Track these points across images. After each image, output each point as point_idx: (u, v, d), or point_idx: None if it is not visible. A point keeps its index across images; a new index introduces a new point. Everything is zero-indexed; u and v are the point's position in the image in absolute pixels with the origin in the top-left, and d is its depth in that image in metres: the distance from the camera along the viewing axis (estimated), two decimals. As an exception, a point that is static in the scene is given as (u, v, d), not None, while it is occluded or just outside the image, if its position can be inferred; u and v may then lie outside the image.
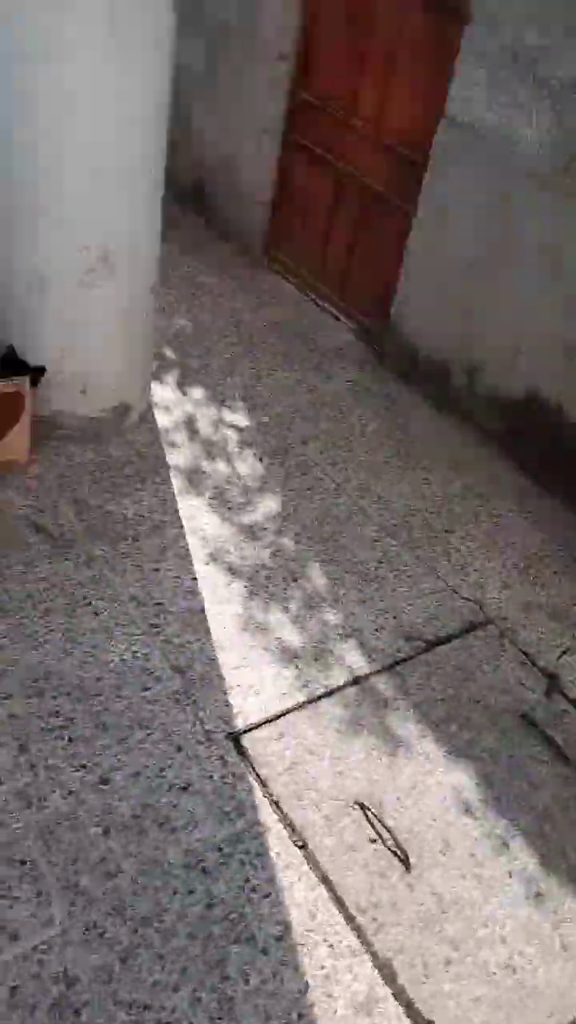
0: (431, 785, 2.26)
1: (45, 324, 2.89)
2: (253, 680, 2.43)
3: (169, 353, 3.75)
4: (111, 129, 2.56)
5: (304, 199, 4.31)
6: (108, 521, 2.84)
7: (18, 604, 2.49)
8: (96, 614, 2.52)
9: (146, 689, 2.34)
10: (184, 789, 2.12)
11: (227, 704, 2.34)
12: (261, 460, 3.27)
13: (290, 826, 2.09)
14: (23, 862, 1.92)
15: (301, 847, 2.06)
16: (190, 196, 4.87)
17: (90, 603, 2.55)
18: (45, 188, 2.62)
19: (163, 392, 3.51)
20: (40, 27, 2.35)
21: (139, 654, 2.43)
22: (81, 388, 3.05)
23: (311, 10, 3.91)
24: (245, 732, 2.29)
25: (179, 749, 2.21)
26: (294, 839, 2.07)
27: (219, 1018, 1.75)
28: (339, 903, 1.98)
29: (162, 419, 3.38)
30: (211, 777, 2.16)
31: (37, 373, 2.95)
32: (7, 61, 2.43)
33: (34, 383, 2.96)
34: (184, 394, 3.56)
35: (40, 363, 2.96)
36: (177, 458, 3.19)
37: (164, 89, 2.61)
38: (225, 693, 2.37)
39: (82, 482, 2.98)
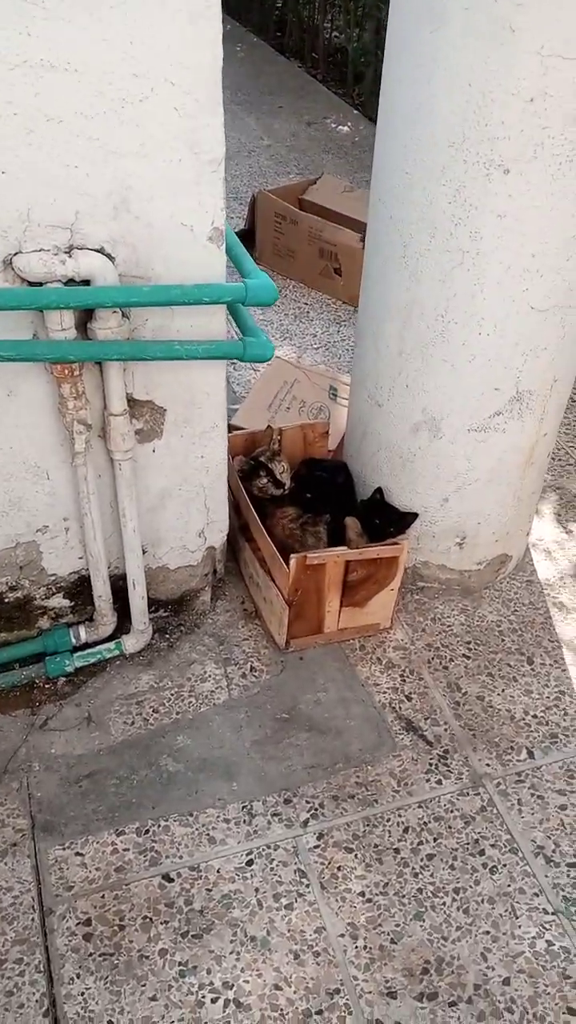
0: None
1: (427, 469, 2.39)
2: None
3: (548, 475, 3.12)
4: (558, 252, 1.99)
5: None
6: (491, 720, 2.27)
7: (391, 844, 1.98)
8: (491, 870, 1.95)
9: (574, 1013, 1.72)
10: None
11: None
12: None
13: None
14: None
15: None
16: None
17: (482, 850, 1.98)
18: (459, 320, 2.10)
19: (541, 527, 2.89)
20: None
21: (557, 948, 1.82)
22: (458, 540, 2.52)
23: None
24: None
25: None
26: None
27: None
28: None
29: (543, 568, 2.76)
30: None
31: (407, 521, 2.46)
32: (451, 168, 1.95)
33: (402, 530, 2.48)
34: (569, 532, 2.91)
35: (412, 510, 2.47)
36: (568, 629, 2.55)
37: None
38: None
39: (455, 658, 2.44)
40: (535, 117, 1.81)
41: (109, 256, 1.74)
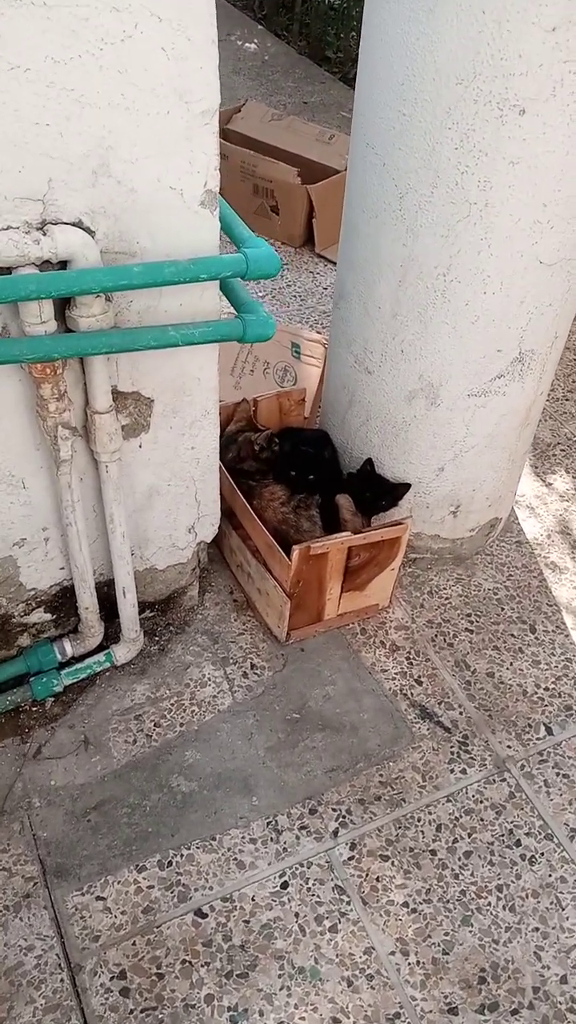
0: None
1: (422, 438, 2.23)
2: None
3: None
4: (570, 201, 1.82)
5: None
6: (505, 698, 2.19)
7: (427, 845, 1.89)
8: (531, 861, 1.88)
9: (633, 1005, 1.69)
10: None
11: None
12: None
13: None
14: None
15: None
16: None
17: (518, 840, 1.92)
18: (463, 279, 1.92)
19: (522, 483, 2.79)
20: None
21: (607, 938, 1.78)
22: (452, 509, 2.39)
23: None
24: None
25: None
26: None
27: None
28: None
29: (529, 526, 2.68)
30: None
31: (400, 493, 2.31)
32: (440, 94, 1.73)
33: (394, 502, 2.33)
34: (549, 485, 2.82)
35: (405, 480, 2.32)
36: (564, 590, 2.47)
37: None
38: None
39: (458, 633, 2.34)
40: (556, 50, 1.61)
41: (88, 230, 1.46)
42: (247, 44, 5.95)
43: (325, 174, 3.72)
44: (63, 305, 1.51)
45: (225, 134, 4.06)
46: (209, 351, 1.74)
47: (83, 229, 1.45)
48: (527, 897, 1.83)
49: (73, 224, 1.44)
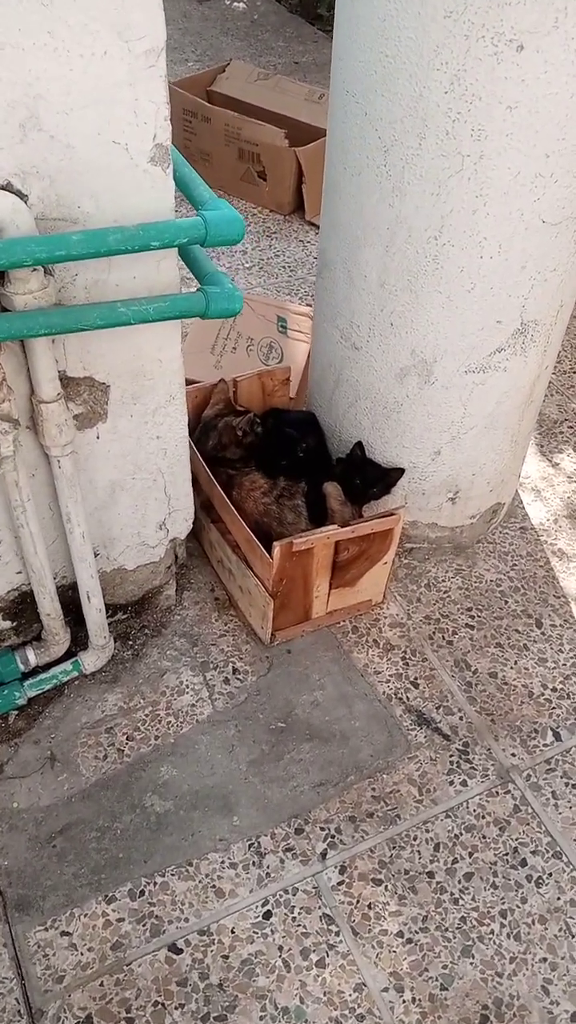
0: None
1: (416, 419, 2.04)
2: None
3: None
4: (571, 151, 1.61)
5: None
6: (509, 700, 2.02)
7: (423, 867, 1.73)
8: (537, 883, 1.72)
9: None
10: None
11: None
12: None
13: None
14: None
15: None
16: None
17: (523, 860, 1.75)
18: (456, 242, 1.72)
19: (527, 464, 2.60)
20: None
21: (621, 969, 1.62)
22: (450, 495, 2.20)
23: None
24: None
25: None
26: None
27: None
28: None
29: (534, 511, 2.49)
30: None
31: (393, 479, 2.13)
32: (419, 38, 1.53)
33: (387, 489, 2.15)
34: (556, 466, 2.63)
35: (399, 464, 2.13)
36: (573, 580, 2.29)
37: None
38: None
39: (458, 630, 2.16)
40: (558, -27, 1.40)
41: (20, 194, 1.28)
42: (236, 3, 5.68)
43: (315, 136, 3.49)
44: (-4, 281, 1.33)
45: (209, 96, 3.84)
46: (170, 329, 1.56)
47: (12, 193, 1.26)
48: (534, 923, 1.67)
49: (1, 187, 1.25)
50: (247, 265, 3.36)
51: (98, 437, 1.63)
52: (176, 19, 5.30)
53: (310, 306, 2.80)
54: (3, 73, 1.17)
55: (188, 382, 2.09)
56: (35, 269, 1.30)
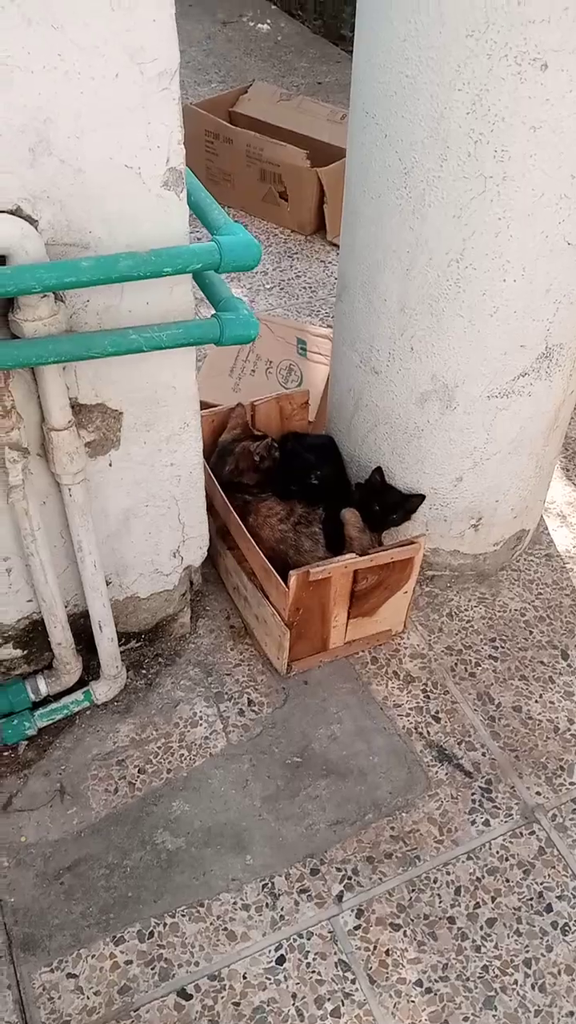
0: None
1: (437, 445, 1.99)
2: None
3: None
4: (601, 168, 1.57)
5: None
6: (533, 736, 1.95)
7: (443, 912, 1.66)
8: (563, 930, 1.65)
9: None
10: None
11: None
12: None
13: None
14: None
15: None
16: None
17: (549, 905, 1.68)
18: (478, 265, 1.68)
19: (551, 488, 2.54)
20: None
21: None
22: (473, 522, 2.15)
23: None
24: None
25: None
26: None
27: None
28: None
29: (560, 537, 2.42)
30: None
31: (413, 505, 2.08)
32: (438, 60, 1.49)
33: (407, 516, 2.10)
34: (581, 493, 2.57)
35: (419, 491, 2.08)
36: (602, 611, 2.23)
37: None
38: None
39: (481, 661, 2.10)
40: (583, -9, 1.36)
41: (29, 219, 1.25)
42: (259, 25, 5.71)
43: (337, 156, 3.47)
44: (6, 307, 1.30)
45: (231, 117, 3.83)
46: (184, 356, 1.52)
47: (22, 218, 1.24)
48: (560, 973, 1.59)
49: (10, 212, 1.23)
50: (268, 286, 3.34)
51: (110, 464, 1.60)
52: (200, 40, 5.34)
53: (331, 327, 2.77)
54: (12, 97, 1.15)
55: (205, 406, 2.06)
56: (45, 295, 1.27)
